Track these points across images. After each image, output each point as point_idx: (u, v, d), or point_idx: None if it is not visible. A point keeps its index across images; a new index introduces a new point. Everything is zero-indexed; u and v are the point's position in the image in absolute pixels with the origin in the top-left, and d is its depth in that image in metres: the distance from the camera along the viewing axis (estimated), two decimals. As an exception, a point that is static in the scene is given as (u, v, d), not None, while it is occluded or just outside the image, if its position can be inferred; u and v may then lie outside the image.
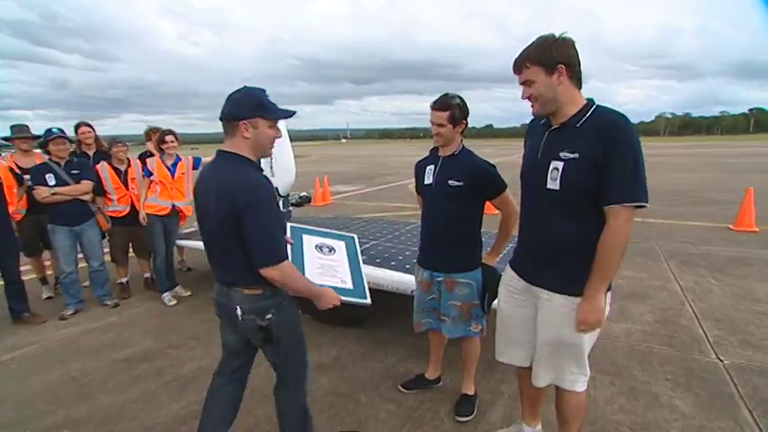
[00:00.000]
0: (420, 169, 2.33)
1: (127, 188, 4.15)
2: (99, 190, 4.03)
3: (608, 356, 2.92)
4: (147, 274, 4.51)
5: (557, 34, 1.50)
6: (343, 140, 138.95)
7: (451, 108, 2.07)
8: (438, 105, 2.10)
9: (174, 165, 4.08)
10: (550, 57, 1.47)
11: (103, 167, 4.06)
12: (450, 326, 2.25)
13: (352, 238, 2.25)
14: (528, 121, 1.84)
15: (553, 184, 1.53)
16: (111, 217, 4.12)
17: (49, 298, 4.28)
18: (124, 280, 4.37)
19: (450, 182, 2.12)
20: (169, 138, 4.00)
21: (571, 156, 1.49)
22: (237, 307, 1.59)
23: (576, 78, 1.51)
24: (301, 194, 10.65)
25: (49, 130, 3.69)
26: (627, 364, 2.82)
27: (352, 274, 1.97)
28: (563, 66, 1.47)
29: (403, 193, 12.06)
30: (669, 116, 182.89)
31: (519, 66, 1.56)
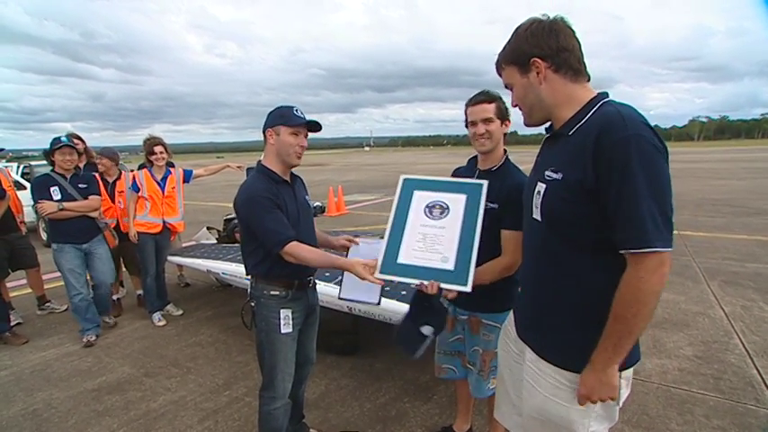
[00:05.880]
0: None
1: (113, 201, 3.96)
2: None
3: (638, 402, 2.45)
4: (140, 291, 4.30)
5: (540, 17, 1.14)
6: (366, 148, 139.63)
7: (497, 100, 1.70)
8: (482, 98, 1.70)
9: (164, 179, 3.86)
10: (521, 52, 1.14)
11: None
12: (474, 380, 1.88)
13: (480, 185, 1.60)
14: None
15: (536, 212, 1.16)
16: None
17: (18, 324, 3.85)
18: (115, 297, 4.19)
19: None
20: (158, 149, 3.78)
21: (554, 176, 1.11)
22: (248, 287, 1.91)
23: (569, 69, 1.12)
24: (315, 204, 10.48)
25: (57, 138, 3.35)
26: (662, 414, 2.35)
27: (460, 245, 1.49)
28: (538, 60, 1.11)
29: (420, 202, 11.67)
30: (704, 120, 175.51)
31: (497, 67, 1.24)
